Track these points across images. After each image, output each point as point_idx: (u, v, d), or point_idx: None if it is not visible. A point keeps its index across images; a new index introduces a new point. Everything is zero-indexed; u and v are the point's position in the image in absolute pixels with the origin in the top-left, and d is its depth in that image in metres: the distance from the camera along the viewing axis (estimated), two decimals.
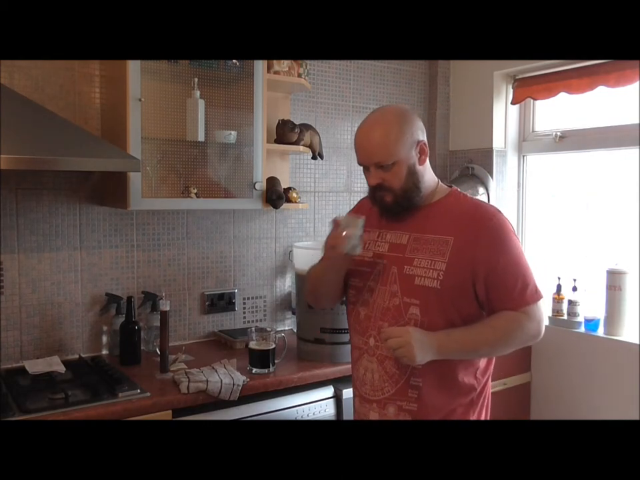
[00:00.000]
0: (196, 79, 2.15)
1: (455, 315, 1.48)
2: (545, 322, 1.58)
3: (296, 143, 2.41)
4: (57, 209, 2.17)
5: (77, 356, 2.19)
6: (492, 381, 1.92)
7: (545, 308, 1.51)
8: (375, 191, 1.55)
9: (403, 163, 1.49)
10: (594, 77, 2.58)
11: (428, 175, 1.56)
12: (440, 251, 1.48)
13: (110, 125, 2.15)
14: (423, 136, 1.53)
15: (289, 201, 2.40)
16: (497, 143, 2.97)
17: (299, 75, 2.44)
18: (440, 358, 1.45)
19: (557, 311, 2.70)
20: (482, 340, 1.48)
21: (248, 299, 2.63)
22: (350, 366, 1.72)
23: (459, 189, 1.62)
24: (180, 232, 2.44)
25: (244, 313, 2.63)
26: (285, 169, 2.64)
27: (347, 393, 2.11)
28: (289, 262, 2.69)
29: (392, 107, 1.65)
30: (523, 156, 3.05)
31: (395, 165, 1.49)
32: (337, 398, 2.12)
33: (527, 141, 3.02)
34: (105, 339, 2.26)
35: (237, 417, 1.90)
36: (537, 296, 1.50)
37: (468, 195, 1.60)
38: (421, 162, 1.52)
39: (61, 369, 1.98)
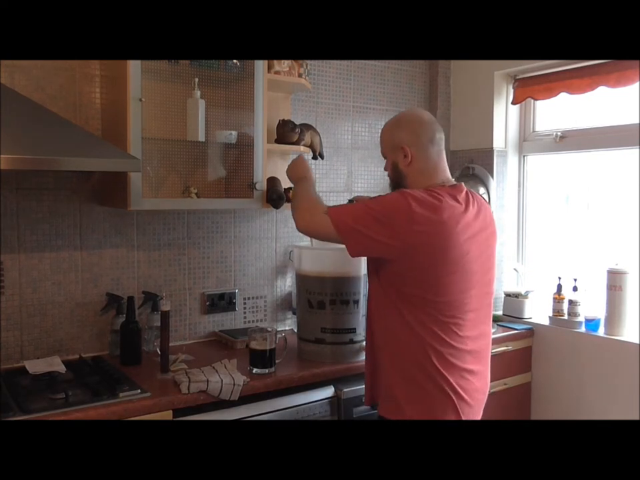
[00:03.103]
0: (196, 79, 2.15)
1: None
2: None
3: (296, 143, 2.41)
4: (57, 208, 2.17)
5: (78, 356, 2.19)
6: (492, 381, 1.94)
7: (326, 222, 1.71)
8: None
9: (390, 159, 1.82)
10: (594, 77, 2.57)
11: (415, 177, 1.76)
12: None
13: (110, 125, 2.15)
14: (410, 142, 1.75)
15: (289, 200, 2.40)
16: (498, 142, 2.97)
17: (300, 75, 2.44)
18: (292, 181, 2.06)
19: (557, 311, 2.70)
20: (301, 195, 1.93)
21: (248, 298, 2.63)
22: (350, 365, 2.16)
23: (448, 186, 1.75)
24: (180, 232, 2.44)
25: (244, 312, 2.63)
26: (285, 169, 2.63)
27: (347, 393, 2.12)
28: (289, 262, 2.69)
29: (403, 111, 1.90)
30: (523, 156, 3.05)
31: (387, 158, 1.84)
32: (337, 398, 2.11)
33: (527, 141, 3.02)
34: (105, 339, 2.26)
35: (237, 417, 1.90)
36: (330, 212, 1.74)
37: (422, 191, 1.69)
38: (404, 163, 1.76)
39: (61, 368, 1.98)
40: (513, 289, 2.93)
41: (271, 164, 2.45)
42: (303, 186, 1.95)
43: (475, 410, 1.75)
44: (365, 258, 2.19)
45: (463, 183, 1.78)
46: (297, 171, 2.04)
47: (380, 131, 1.88)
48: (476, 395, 1.74)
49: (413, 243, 1.60)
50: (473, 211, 1.69)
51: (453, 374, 1.66)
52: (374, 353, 1.81)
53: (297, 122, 2.46)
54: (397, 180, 1.79)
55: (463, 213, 1.66)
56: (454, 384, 1.66)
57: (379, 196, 1.76)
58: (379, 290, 1.74)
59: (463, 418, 1.69)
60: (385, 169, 1.88)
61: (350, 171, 2.88)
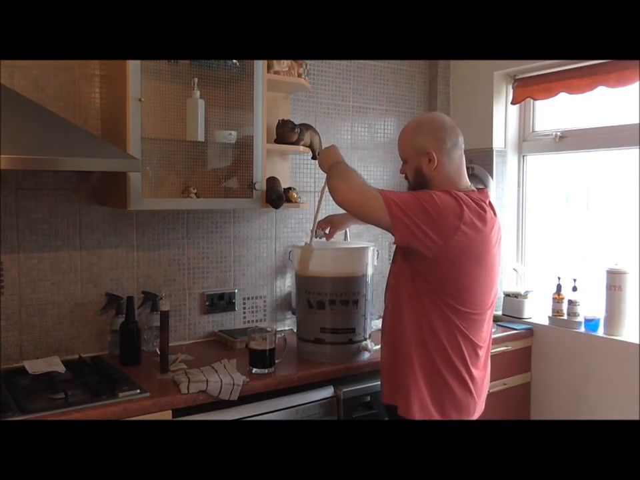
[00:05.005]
0: (196, 79, 2.15)
1: None
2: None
3: (296, 142, 2.41)
4: (57, 208, 2.17)
5: (77, 356, 2.19)
6: (492, 381, 1.96)
7: (378, 202, 1.66)
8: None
9: (412, 163, 1.80)
10: (594, 77, 2.57)
11: (441, 181, 1.76)
12: None
13: (110, 125, 2.15)
14: (435, 147, 1.75)
15: (288, 200, 2.40)
16: (497, 143, 2.97)
17: (299, 75, 2.44)
18: (325, 168, 1.89)
19: (556, 311, 2.70)
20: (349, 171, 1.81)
21: (248, 298, 2.63)
22: (349, 366, 2.16)
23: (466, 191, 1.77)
24: (180, 232, 2.44)
25: (244, 312, 2.63)
26: (285, 169, 2.63)
27: (347, 393, 2.12)
28: (289, 262, 2.69)
29: (424, 115, 1.95)
30: (523, 156, 3.05)
31: (408, 162, 1.82)
32: (337, 398, 2.11)
33: (527, 141, 3.02)
34: (105, 339, 2.26)
35: (237, 417, 1.90)
36: (383, 193, 1.68)
37: (467, 195, 1.73)
38: (429, 168, 1.76)
39: (61, 369, 1.98)
40: (512, 289, 2.93)
41: (271, 164, 2.45)
42: (345, 166, 1.85)
43: (484, 399, 1.87)
44: (366, 259, 2.20)
45: (486, 189, 1.83)
46: (332, 156, 1.92)
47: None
48: (486, 384, 1.87)
49: (455, 244, 1.64)
50: (496, 216, 1.78)
51: (474, 365, 1.77)
52: (395, 345, 1.81)
53: (297, 122, 2.46)
54: (420, 183, 1.79)
55: (493, 218, 1.74)
56: (475, 375, 1.77)
57: (426, 190, 1.72)
58: (409, 282, 1.75)
59: (479, 405, 1.81)
60: (402, 172, 1.87)
61: None
